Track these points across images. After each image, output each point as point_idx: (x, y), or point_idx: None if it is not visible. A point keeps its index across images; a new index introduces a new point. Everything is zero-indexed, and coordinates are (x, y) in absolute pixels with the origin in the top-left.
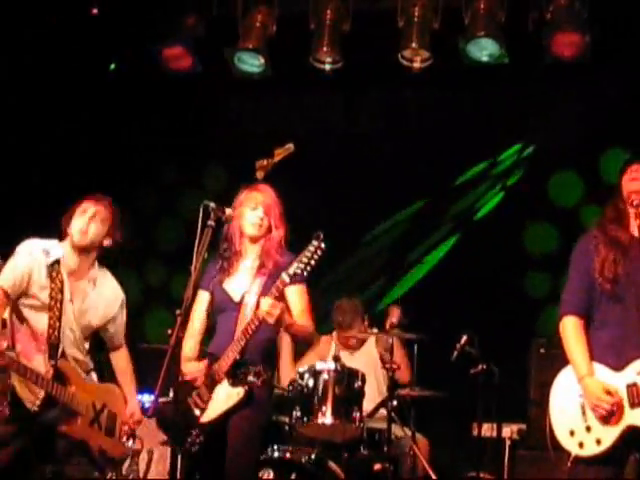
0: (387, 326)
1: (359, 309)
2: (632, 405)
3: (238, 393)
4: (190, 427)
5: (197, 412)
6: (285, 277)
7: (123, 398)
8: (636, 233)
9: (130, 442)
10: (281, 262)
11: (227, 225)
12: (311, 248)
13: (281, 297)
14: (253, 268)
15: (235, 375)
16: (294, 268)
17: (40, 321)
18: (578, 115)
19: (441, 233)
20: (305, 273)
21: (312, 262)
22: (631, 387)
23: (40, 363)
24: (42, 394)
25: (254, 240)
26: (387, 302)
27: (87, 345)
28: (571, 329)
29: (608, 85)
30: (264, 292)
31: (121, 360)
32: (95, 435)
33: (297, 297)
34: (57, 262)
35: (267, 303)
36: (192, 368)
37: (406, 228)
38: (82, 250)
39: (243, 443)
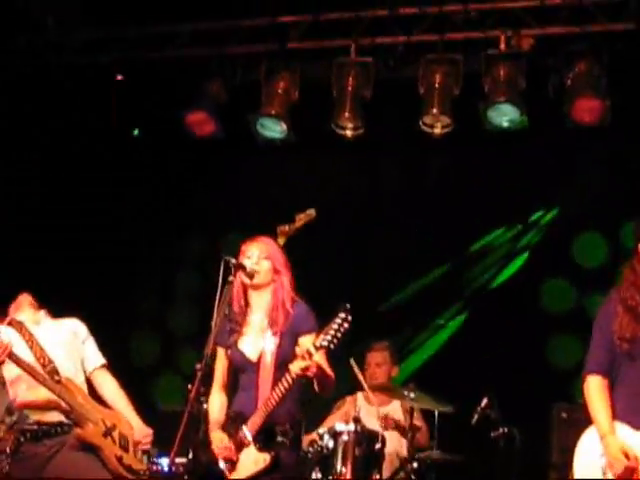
0: None
1: (392, 350)
2: None
3: (265, 459)
4: None
5: (222, 466)
6: (312, 348)
7: (127, 422)
8: None
9: (146, 459)
10: (292, 315)
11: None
12: (338, 320)
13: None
14: (264, 324)
15: (263, 439)
16: (320, 341)
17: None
18: (599, 180)
19: (462, 300)
20: (332, 346)
21: (339, 335)
22: None
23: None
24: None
25: (257, 288)
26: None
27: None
28: (594, 388)
29: (630, 151)
30: (280, 352)
31: (108, 382)
32: (110, 446)
33: (321, 359)
34: None
35: (299, 366)
36: (218, 441)
37: (428, 293)
38: None
39: None
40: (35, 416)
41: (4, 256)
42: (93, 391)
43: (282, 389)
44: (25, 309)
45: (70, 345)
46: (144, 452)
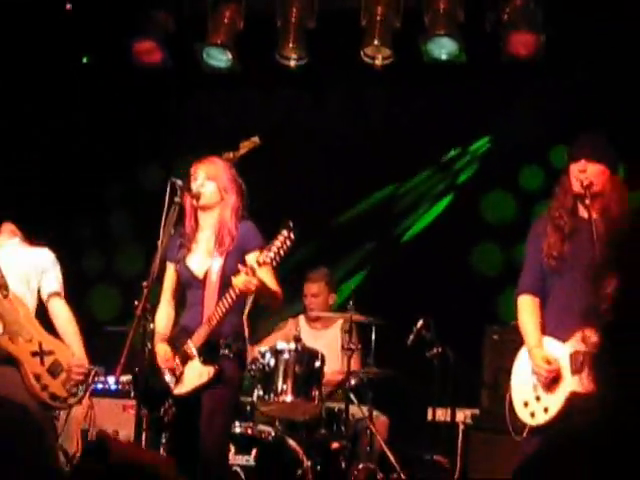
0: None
1: (329, 279)
2: (573, 372)
3: (209, 372)
4: (163, 396)
5: (168, 379)
6: (254, 264)
7: (69, 353)
8: (585, 215)
9: (75, 390)
10: (238, 235)
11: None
12: (281, 237)
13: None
14: (211, 244)
15: (207, 353)
16: (263, 257)
17: None
18: (532, 111)
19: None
20: (274, 263)
21: (282, 251)
22: (573, 355)
23: None
24: None
25: (204, 209)
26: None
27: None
28: (525, 307)
29: (563, 84)
30: (225, 270)
31: (60, 310)
32: (34, 364)
33: (265, 275)
34: None
35: (241, 281)
36: (162, 353)
37: (371, 214)
38: None
39: (214, 423)
40: None
41: None
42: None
43: (226, 304)
44: (3, 234)
45: (27, 269)
46: (76, 382)
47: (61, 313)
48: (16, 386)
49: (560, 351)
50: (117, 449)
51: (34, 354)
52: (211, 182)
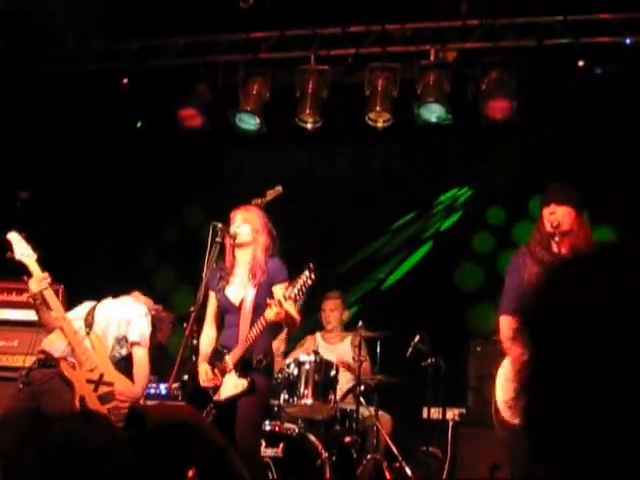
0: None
1: (343, 298)
2: None
3: (243, 384)
4: (205, 401)
5: (210, 392)
6: (282, 299)
7: (131, 387)
8: (556, 250)
9: (120, 419)
10: (268, 270)
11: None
12: (303, 277)
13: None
14: (246, 277)
15: (241, 368)
16: (289, 293)
17: None
18: (511, 166)
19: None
20: (297, 298)
21: (304, 288)
22: None
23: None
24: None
25: (240, 246)
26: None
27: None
28: (506, 327)
29: (534, 141)
30: (257, 299)
31: (135, 356)
32: (85, 388)
33: (289, 307)
34: None
35: (272, 313)
36: (203, 372)
37: (376, 252)
38: None
39: (248, 425)
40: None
41: None
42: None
43: (258, 329)
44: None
45: (117, 318)
46: (120, 409)
47: (136, 359)
48: (64, 402)
49: None
50: (149, 415)
51: (89, 381)
52: (246, 225)
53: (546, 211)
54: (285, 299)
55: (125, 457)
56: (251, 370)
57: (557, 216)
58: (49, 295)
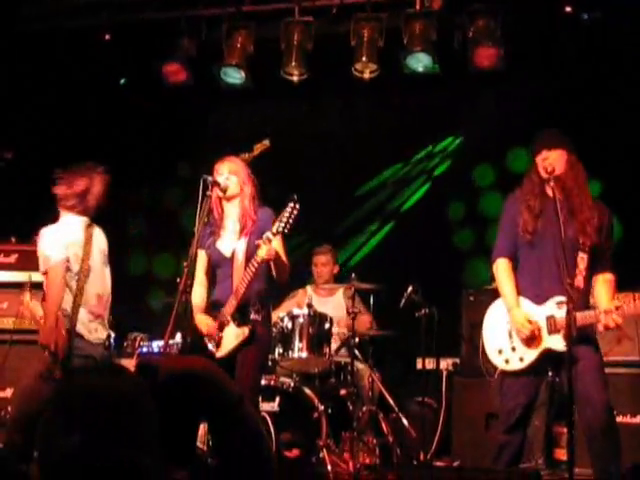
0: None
1: (334, 252)
2: (550, 332)
3: (244, 332)
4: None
5: (211, 347)
6: (270, 235)
7: None
8: (550, 194)
9: None
10: (257, 219)
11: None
12: (288, 209)
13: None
14: (236, 229)
15: (239, 317)
16: (276, 227)
17: None
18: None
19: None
20: (286, 230)
21: (291, 220)
22: (549, 318)
23: None
24: None
25: (229, 199)
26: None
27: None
28: (502, 269)
29: (520, 89)
30: (249, 249)
31: None
32: None
33: (278, 246)
34: None
35: (265, 250)
36: (203, 321)
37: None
38: None
39: (249, 372)
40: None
41: None
42: None
43: (250, 273)
44: None
45: None
46: None
47: None
48: None
49: (536, 312)
50: (162, 366)
51: None
52: (233, 176)
53: (539, 158)
54: (273, 234)
55: (149, 406)
56: (249, 319)
57: (550, 160)
58: None
